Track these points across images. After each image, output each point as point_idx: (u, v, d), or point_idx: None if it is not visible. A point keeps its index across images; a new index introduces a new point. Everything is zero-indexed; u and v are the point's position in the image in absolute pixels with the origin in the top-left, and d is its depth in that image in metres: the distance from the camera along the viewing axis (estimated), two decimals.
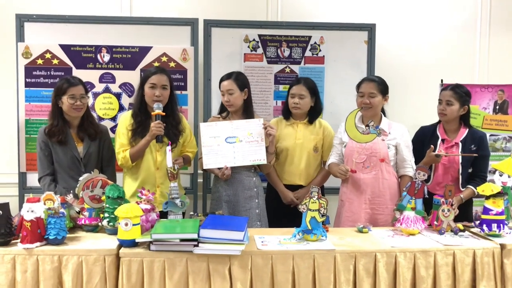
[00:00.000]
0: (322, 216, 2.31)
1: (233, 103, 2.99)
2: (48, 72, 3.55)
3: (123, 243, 2.14)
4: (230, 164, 2.91)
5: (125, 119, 2.94)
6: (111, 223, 2.31)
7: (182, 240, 2.07)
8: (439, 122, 3.06)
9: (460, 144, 2.92)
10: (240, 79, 3.02)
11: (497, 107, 3.81)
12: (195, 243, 2.08)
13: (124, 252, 2.09)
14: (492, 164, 2.85)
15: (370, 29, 3.77)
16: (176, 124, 2.96)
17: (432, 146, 2.85)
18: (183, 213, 2.48)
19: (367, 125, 2.75)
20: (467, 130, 2.97)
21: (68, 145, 2.84)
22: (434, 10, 4.07)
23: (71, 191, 2.53)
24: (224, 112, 3.09)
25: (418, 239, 2.38)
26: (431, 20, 4.07)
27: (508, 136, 3.81)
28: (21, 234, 2.11)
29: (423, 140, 3.02)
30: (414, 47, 4.05)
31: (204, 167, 2.96)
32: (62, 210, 2.22)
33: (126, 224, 2.11)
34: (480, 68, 4.10)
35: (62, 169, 2.85)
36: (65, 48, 3.56)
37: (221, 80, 3.04)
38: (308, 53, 3.75)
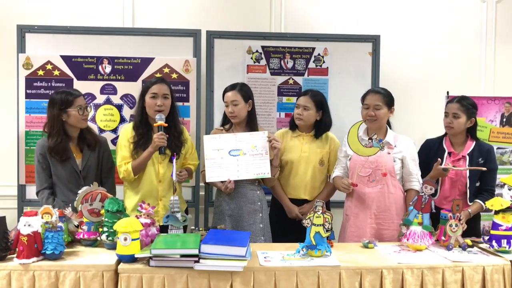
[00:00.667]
0: (327, 231, 2.25)
1: (237, 114, 2.95)
2: (49, 83, 3.53)
3: (122, 259, 2.09)
4: (233, 177, 2.86)
5: (127, 131, 2.90)
6: (110, 238, 2.26)
7: (182, 255, 2.03)
8: (445, 135, 3.02)
9: (468, 157, 2.87)
10: (244, 90, 2.99)
11: (504, 119, 3.76)
12: (196, 259, 2.03)
13: (123, 268, 2.04)
14: (500, 178, 2.79)
15: (374, 40, 3.74)
16: (178, 135, 2.92)
17: (439, 159, 2.80)
18: (184, 228, 2.44)
19: (370, 138, 2.70)
20: (474, 142, 2.92)
21: (68, 159, 2.79)
22: (439, 21, 4.05)
23: (70, 205, 2.48)
24: (227, 124, 3.05)
25: (426, 255, 2.33)
26: (436, 31, 4.05)
27: None
28: (17, 249, 2.06)
29: (429, 153, 2.97)
30: (419, 58, 4.03)
31: (207, 180, 2.91)
32: (60, 224, 2.18)
33: (125, 239, 2.07)
34: (486, 80, 4.07)
35: (61, 182, 2.80)
36: (66, 59, 3.54)
37: (225, 91, 3.00)
38: (311, 65, 3.72)
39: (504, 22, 4.07)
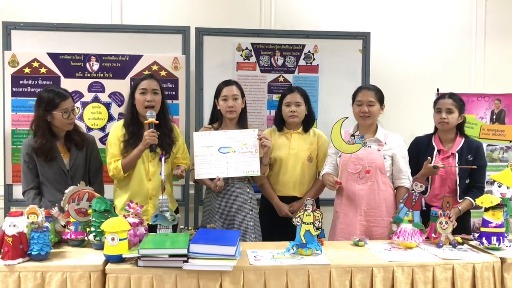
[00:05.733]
0: (317, 229, 2.24)
1: (237, 109, 2.94)
2: (36, 81, 3.47)
3: (109, 259, 2.07)
4: (222, 175, 2.84)
5: (117, 129, 2.86)
6: (97, 238, 2.23)
7: (171, 255, 2.00)
8: (434, 132, 3.02)
9: (457, 155, 2.87)
10: (240, 87, 2.99)
11: (494, 116, 3.77)
12: (185, 258, 2.01)
13: (111, 268, 2.02)
14: (490, 175, 2.80)
15: (364, 37, 3.73)
16: (169, 133, 2.89)
17: (429, 158, 2.79)
18: (174, 227, 2.41)
19: (352, 135, 2.69)
20: (463, 139, 2.92)
21: (55, 159, 2.75)
22: (429, 18, 4.05)
23: (57, 204, 2.45)
24: (216, 122, 3.03)
25: (416, 253, 2.33)
26: (426, 28, 4.05)
27: (505, 146, 3.77)
28: (2, 250, 2.03)
29: (418, 151, 2.96)
30: (409, 55, 4.02)
31: (196, 177, 2.89)
32: (46, 224, 2.15)
33: (113, 239, 2.04)
34: (476, 77, 4.07)
35: (48, 182, 2.76)
36: (53, 56, 3.49)
37: (225, 84, 2.97)
38: (302, 62, 3.70)
39: (494, 19, 4.07)
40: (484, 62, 4.06)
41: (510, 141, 3.77)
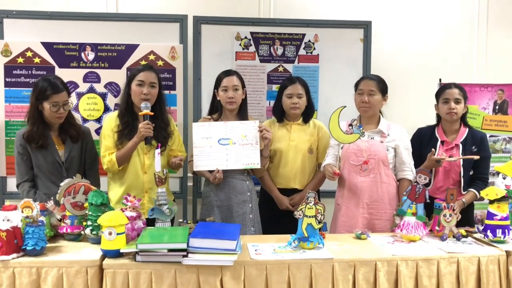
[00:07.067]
0: (319, 222, 2.20)
1: (237, 100, 2.88)
2: (29, 71, 3.40)
3: (106, 254, 2.02)
4: (222, 167, 2.79)
5: (111, 120, 2.80)
6: (94, 232, 2.18)
7: (170, 250, 1.96)
8: (437, 123, 2.96)
9: (461, 146, 2.83)
10: (240, 77, 2.94)
11: (497, 107, 3.72)
12: (184, 253, 1.97)
13: (108, 264, 1.98)
14: (495, 167, 2.75)
15: (366, 26, 3.66)
16: (165, 126, 2.83)
17: (433, 149, 2.74)
18: (172, 220, 2.37)
19: (350, 125, 2.62)
20: (467, 130, 2.88)
21: (49, 149, 2.69)
22: (431, 7, 3.98)
23: (52, 198, 2.40)
24: (215, 113, 2.97)
25: (420, 246, 2.29)
26: (428, 17, 3.98)
27: (508, 137, 3.72)
28: None
29: (421, 142, 2.91)
30: (410, 45, 3.96)
31: (195, 169, 2.84)
32: (41, 218, 2.11)
33: (110, 233, 2.00)
34: (478, 67, 4.02)
35: (42, 174, 2.70)
36: (47, 46, 3.41)
37: (226, 75, 2.91)
38: (302, 52, 3.64)
39: (497, 9, 4.01)
40: (486, 52, 4.01)
41: None
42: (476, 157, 2.72)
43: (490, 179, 2.87)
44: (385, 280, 2.08)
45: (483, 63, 4.02)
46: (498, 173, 2.58)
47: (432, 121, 3.02)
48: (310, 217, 2.19)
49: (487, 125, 3.67)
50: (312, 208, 2.19)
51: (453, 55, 3.98)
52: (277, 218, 2.99)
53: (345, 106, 2.67)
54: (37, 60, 3.41)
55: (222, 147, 2.81)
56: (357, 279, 2.07)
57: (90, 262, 1.97)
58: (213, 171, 2.79)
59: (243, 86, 2.93)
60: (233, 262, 1.97)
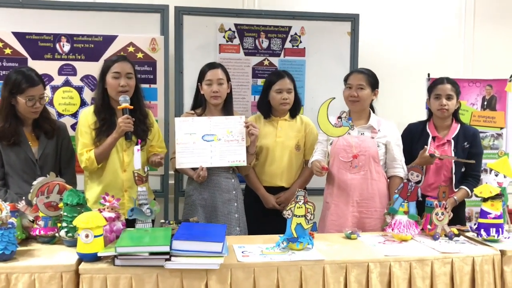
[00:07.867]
0: (309, 222, 2.12)
1: (222, 94, 2.79)
2: (0, 63, 3.23)
3: (83, 258, 1.92)
4: (206, 164, 2.70)
5: (87, 116, 2.67)
6: (69, 234, 2.07)
7: (151, 253, 1.86)
8: (428, 119, 2.91)
9: (453, 142, 2.78)
10: (225, 70, 2.85)
11: (485, 102, 3.70)
12: (167, 256, 1.87)
13: (85, 268, 1.87)
14: (487, 164, 2.71)
15: (353, 19, 3.60)
16: (144, 119, 2.72)
17: (425, 146, 2.68)
18: (153, 221, 2.26)
19: (339, 117, 2.54)
20: (459, 126, 2.83)
21: (22, 146, 2.55)
22: (419, 1, 3.96)
23: (24, 198, 2.27)
24: (199, 108, 2.87)
25: (413, 246, 2.23)
26: (416, 11, 3.96)
27: (496, 133, 3.71)
28: None
29: (412, 138, 2.86)
30: (398, 39, 3.94)
31: (177, 167, 2.74)
32: (11, 220, 1.96)
33: (87, 236, 1.89)
34: (466, 62, 4.02)
35: (14, 172, 2.55)
36: (20, 36, 3.24)
37: (210, 67, 2.81)
38: (288, 45, 3.55)
39: (484, 3, 4.01)
40: (473, 47, 4.01)
41: (501, 128, 3.72)
42: (472, 161, 2.68)
43: (483, 176, 2.83)
44: (378, 282, 2.02)
45: (471, 58, 4.02)
46: (490, 170, 2.53)
47: (420, 116, 2.99)
48: (299, 216, 2.11)
49: (475, 121, 3.64)
50: (301, 207, 2.11)
51: (441, 50, 3.97)
52: (263, 218, 2.92)
53: (334, 98, 2.58)
54: (8, 51, 3.23)
55: (206, 143, 2.71)
56: (348, 281, 2.01)
57: (65, 267, 1.87)
58: (197, 168, 2.70)
59: (228, 80, 2.84)
60: (219, 266, 1.88)
